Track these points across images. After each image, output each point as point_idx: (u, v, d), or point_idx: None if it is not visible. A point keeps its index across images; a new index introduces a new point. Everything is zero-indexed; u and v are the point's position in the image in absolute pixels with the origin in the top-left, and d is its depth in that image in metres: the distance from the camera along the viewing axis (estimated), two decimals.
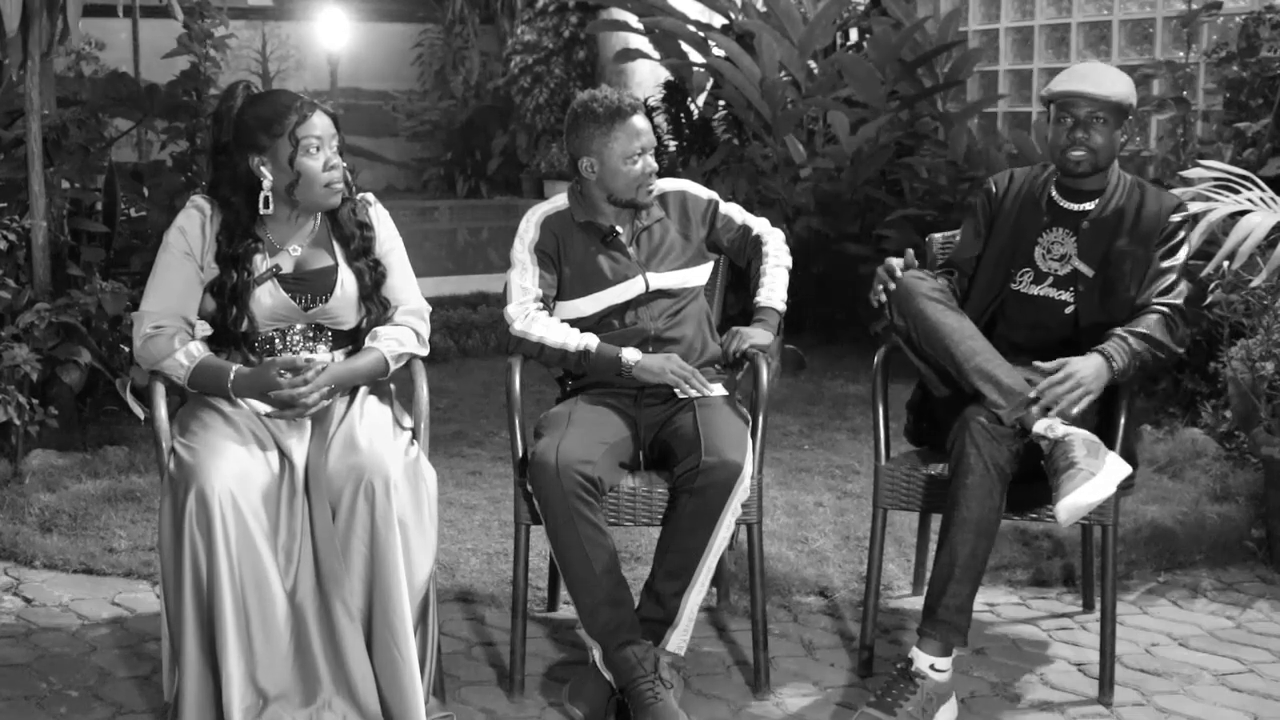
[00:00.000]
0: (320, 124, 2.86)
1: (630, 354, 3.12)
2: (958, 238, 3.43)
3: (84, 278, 4.89)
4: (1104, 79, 3.19)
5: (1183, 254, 3.18)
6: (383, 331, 2.98)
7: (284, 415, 2.82)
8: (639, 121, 3.18)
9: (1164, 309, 3.10)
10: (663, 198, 3.31)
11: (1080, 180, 3.22)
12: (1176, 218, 3.17)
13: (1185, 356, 5.08)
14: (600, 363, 3.13)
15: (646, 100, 7.81)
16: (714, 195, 3.39)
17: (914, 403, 3.40)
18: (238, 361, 2.87)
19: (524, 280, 3.20)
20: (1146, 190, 3.23)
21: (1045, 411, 2.96)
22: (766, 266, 3.36)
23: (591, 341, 3.14)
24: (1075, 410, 2.95)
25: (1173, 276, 3.15)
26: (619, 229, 3.25)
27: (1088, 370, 2.97)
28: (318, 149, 2.85)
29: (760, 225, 3.40)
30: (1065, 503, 2.86)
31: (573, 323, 3.21)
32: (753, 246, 3.38)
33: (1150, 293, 3.13)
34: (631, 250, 3.25)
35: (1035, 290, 3.25)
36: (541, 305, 3.18)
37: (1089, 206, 3.22)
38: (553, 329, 3.15)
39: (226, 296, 2.87)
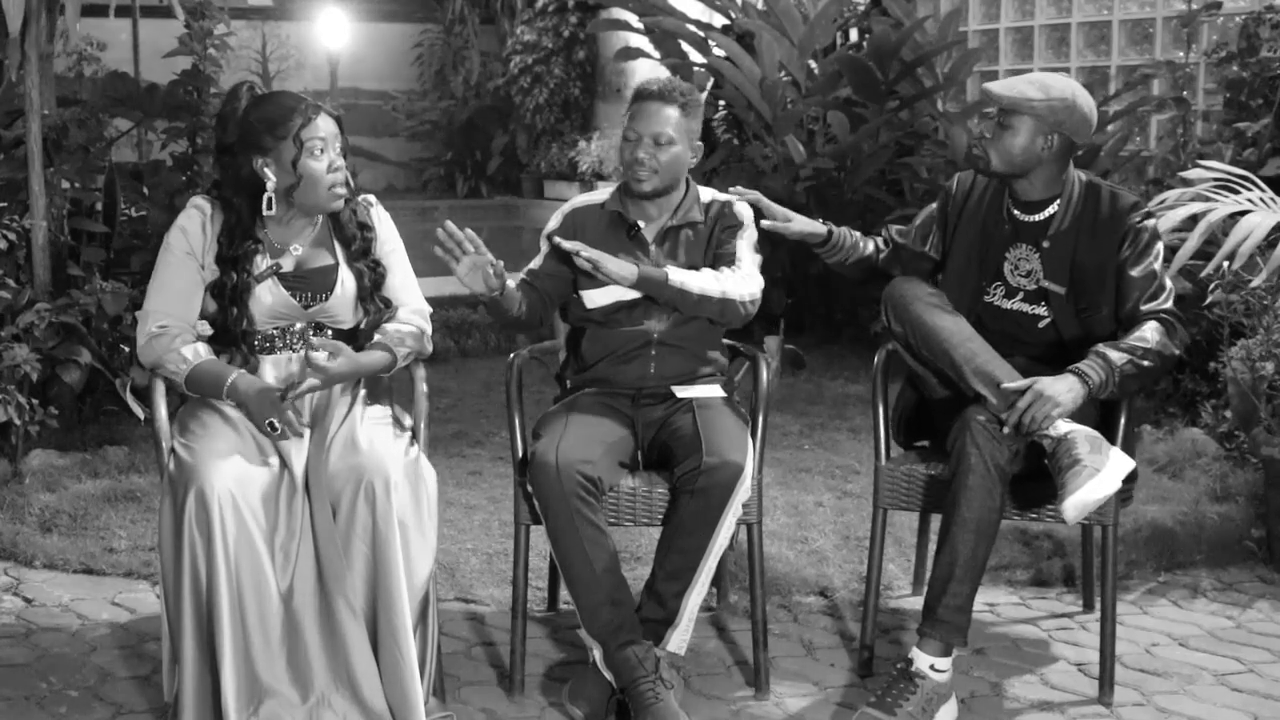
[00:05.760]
0: (325, 126, 2.86)
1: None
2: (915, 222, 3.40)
3: (84, 278, 4.89)
4: (1017, 82, 3.14)
5: (1156, 255, 3.10)
6: (390, 328, 2.98)
7: (269, 431, 2.80)
8: (651, 106, 3.12)
9: (1154, 317, 3.05)
10: (709, 205, 3.25)
11: (1018, 188, 3.16)
12: (1137, 218, 3.11)
13: (1185, 356, 5.10)
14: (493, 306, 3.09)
15: None
16: (749, 223, 3.24)
17: (900, 405, 3.38)
18: (238, 362, 2.87)
19: (530, 266, 3.22)
20: (1101, 193, 3.15)
21: (1017, 431, 2.93)
22: (709, 270, 3.14)
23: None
24: (1048, 423, 2.91)
25: (1154, 282, 3.08)
26: (641, 224, 3.22)
27: (1058, 386, 2.93)
28: (322, 151, 2.85)
29: (745, 262, 3.17)
30: (1072, 500, 2.85)
31: (583, 316, 3.21)
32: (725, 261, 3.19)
33: (1135, 303, 3.08)
34: (653, 249, 3.21)
35: (1008, 305, 3.21)
36: (526, 283, 3.18)
37: (1044, 216, 3.17)
38: None
39: (226, 297, 2.87)
